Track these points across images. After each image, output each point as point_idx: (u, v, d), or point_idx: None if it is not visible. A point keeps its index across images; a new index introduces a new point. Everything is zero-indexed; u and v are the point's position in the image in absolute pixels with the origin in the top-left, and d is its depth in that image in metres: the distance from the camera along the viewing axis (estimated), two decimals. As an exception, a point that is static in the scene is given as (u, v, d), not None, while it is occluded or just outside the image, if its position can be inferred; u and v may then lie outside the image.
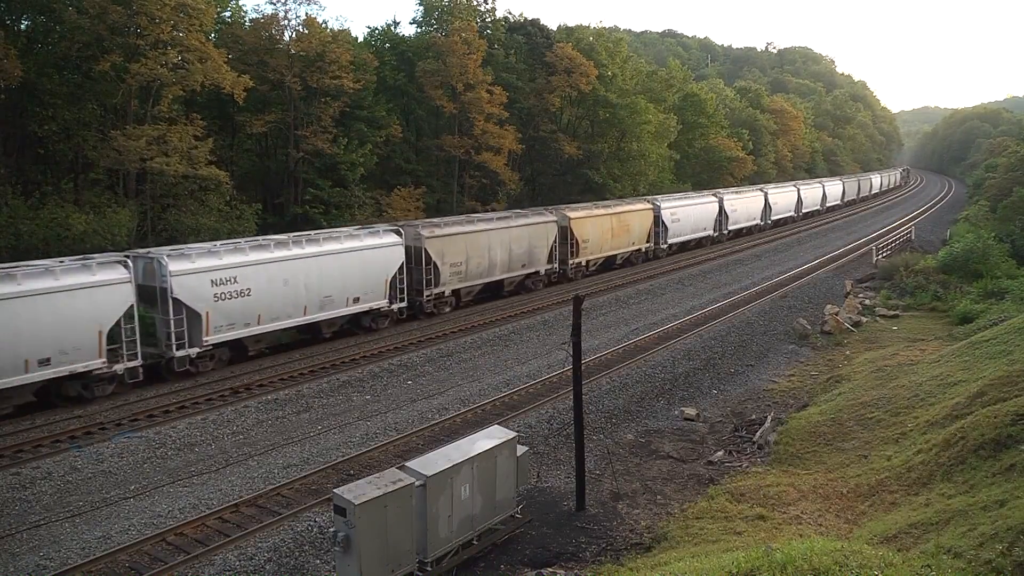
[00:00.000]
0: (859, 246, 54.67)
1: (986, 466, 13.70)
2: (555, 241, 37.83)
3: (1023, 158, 67.62)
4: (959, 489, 13.49)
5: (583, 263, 40.45)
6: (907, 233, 59.69)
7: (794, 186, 73.42)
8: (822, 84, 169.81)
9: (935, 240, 59.56)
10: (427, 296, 30.80)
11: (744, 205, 59.71)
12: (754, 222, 62.01)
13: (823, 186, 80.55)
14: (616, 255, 43.45)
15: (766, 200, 63.57)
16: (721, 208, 55.15)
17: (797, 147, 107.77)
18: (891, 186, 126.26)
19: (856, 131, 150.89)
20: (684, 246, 51.47)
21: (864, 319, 33.21)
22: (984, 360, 20.11)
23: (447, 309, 31.96)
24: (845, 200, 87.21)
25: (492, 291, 35.43)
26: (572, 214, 39.25)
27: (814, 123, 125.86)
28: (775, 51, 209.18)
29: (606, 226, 41.87)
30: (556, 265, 38.41)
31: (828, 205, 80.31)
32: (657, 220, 47.02)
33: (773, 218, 65.59)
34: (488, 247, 33.61)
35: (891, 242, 53.69)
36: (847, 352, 28.38)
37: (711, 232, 54.58)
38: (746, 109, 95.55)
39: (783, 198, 68.35)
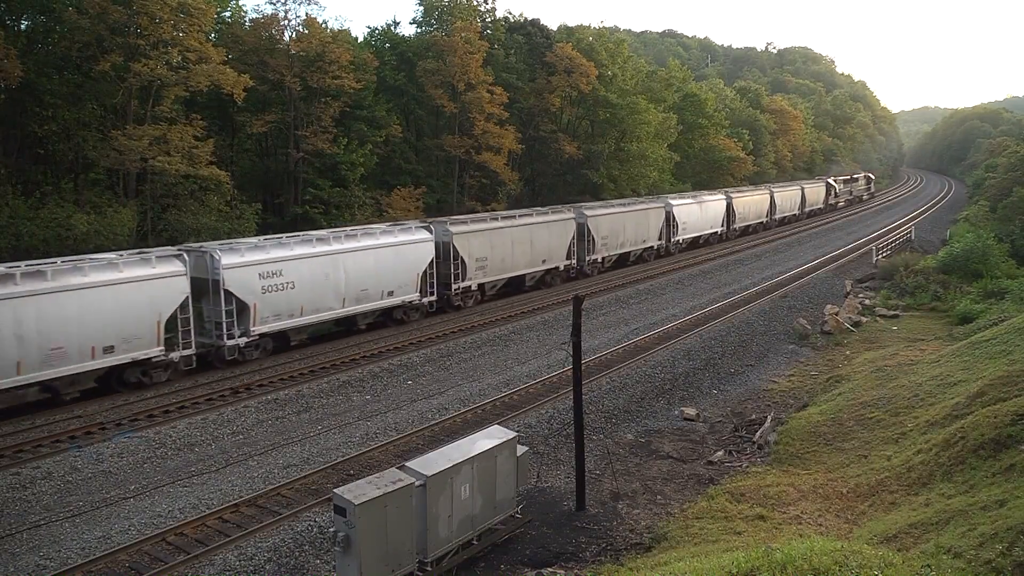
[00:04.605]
0: (859, 246, 54.66)
1: (986, 466, 13.70)
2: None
3: (1023, 158, 67.63)
4: (959, 489, 13.49)
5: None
6: (907, 233, 59.71)
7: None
8: (822, 84, 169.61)
9: (935, 240, 59.58)
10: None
11: (694, 211, 51.87)
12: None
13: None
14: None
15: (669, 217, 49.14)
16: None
17: (797, 147, 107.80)
18: (813, 207, 77.21)
19: (856, 131, 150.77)
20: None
21: (864, 319, 33.21)
22: (984, 360, 20.11)
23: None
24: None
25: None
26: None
27: (814, 123, 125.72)
28: (775, 51, 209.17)
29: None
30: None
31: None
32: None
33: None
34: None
35: (891, 242, 53.70)
36: (847, 352, 28.38)
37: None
38: (746, 109, 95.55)
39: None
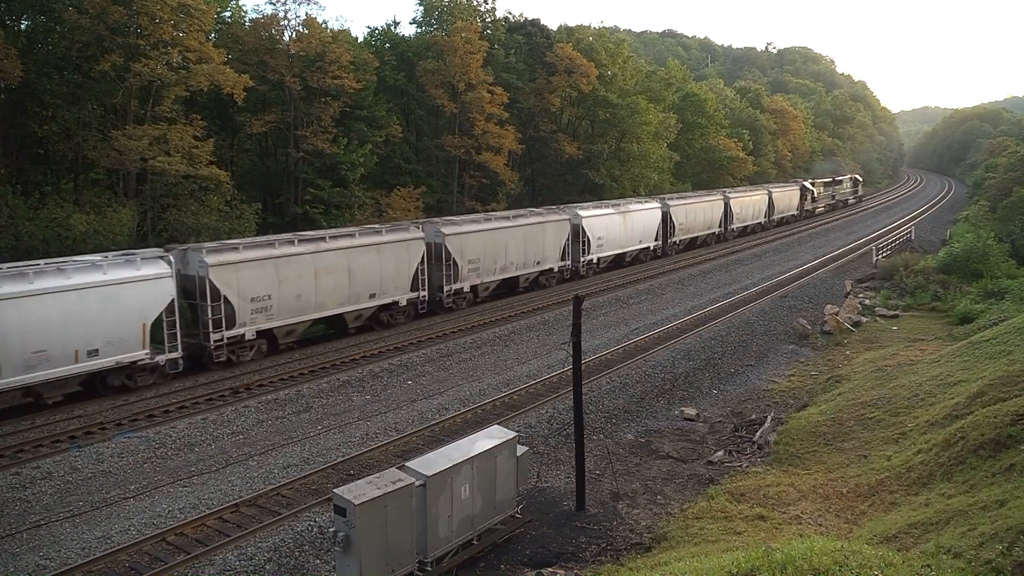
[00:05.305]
0: (859, 246, 54.68)
1: (986, 466, 13.71)
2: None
3: (1023, 158, 67.66)
4: (959, 489, 13.49)
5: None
6: (907, 233, 59.72)
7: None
8: (822, 84, 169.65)
9: (935, 240, 59.60)
10: None
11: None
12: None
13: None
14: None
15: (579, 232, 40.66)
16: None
17: (797, 147, 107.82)
18: (784, 214, 69.73)
19: (856, 131, 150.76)
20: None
21: (864, 319, 33.21)
22: (984, 360, 20.12)
23: None
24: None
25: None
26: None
27: (814, 123, 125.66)
28: (775, 51, 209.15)
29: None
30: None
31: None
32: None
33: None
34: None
35: (891, 242, 53.71)
36: (847, 352, 28.39)
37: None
38: (746, 109, 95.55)
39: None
